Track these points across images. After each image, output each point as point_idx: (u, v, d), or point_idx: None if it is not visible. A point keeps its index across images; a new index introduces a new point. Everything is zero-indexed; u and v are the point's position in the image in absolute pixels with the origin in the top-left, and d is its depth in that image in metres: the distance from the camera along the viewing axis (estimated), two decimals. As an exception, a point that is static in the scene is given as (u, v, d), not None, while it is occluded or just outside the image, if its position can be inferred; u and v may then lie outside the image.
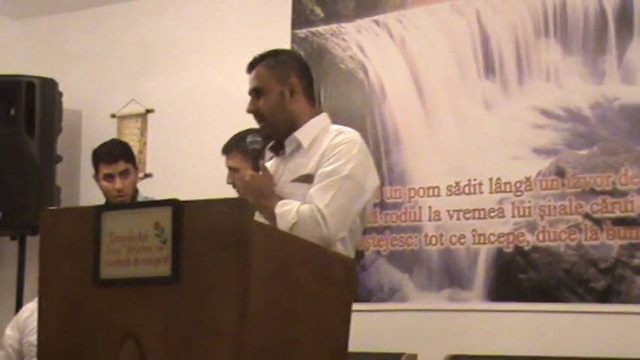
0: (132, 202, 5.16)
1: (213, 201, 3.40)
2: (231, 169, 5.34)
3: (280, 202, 3.74)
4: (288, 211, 3.69)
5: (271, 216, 3.72)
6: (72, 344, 2.92)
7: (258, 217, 3.59)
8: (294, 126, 3.90)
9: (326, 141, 3.86)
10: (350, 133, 3.91)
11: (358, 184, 3.83)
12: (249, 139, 3.88)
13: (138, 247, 2.82)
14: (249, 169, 3.99)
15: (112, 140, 6.14)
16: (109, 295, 2.86)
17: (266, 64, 3.95)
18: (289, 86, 3.93)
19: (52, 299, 3.02)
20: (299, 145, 3.89)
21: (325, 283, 3.20)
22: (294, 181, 3.83)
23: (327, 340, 3.17)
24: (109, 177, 5.54)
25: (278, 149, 3.94)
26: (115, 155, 5.59)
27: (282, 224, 3.65)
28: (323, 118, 4.01)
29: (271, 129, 3.90)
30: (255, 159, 3.87)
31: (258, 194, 3.78)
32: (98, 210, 2.95)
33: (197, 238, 2.78)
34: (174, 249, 2.76)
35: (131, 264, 2.83)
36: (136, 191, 5.66)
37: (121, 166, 5.54)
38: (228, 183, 5.38)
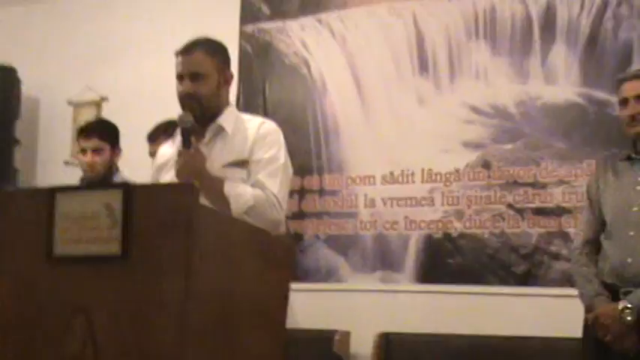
0: (84, 184, 5.05)
1: (161, 185, 3.55)
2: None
3: (228, 183, 3.72)
4: (242, 194, 3.70)
5: (219, 195, 3.67)
6: (25, 318, 2.84)
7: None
8: (217, 113, 3.89)
9: (250, 129, 3.88)
10: (272, 123, 3.96)
11: (290, 171, 3.93)
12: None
13: (90, 227, 2.74)
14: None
15: (98, 119, 6.12)
16: (62, 272, 2.75)
17: (206, 51, 3.92)
18: (225, 76, 3.94)
19: (6, 275, 2.94)
20: (222, 131, 3.87)
21: (266, 263, 3.17)
22: (228, 165, 3.80)
23: (266, 316, 3.12)
24: (83, 151, 5.44)
25: (200, 133, 3.84)
26: (90, 131, 5.49)
27: (238, 206, 3.65)
28: (234, 108, 4.03)
29: (202, 113, 3.83)
30: (187, 137, 3.75)
31: (196, 173, 3.70)
32: (52, 190, 2.89)
33: (146, 220, 2.72)
34: (123, 229, 2.70)
35: (83, 242, 2.75)
36: (115, 170, 5.55)
37: (94, 142, 5.39)
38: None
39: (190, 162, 3.72)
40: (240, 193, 3.69)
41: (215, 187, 3.68)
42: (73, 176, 5.78)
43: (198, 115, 3.81)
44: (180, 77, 3.86)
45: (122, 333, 2.67)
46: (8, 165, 6.70)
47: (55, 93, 7.00)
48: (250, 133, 3.86)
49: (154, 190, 3.12)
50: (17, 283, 2.88)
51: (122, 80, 6.70)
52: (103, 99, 6.83)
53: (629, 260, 3.97)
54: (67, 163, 6.67)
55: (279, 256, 3.30)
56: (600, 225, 4.15)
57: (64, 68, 6.99)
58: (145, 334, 2.64)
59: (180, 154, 3.73)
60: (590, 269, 4.11)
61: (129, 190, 2.79)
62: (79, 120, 6.76)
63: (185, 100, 3.80)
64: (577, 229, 4.45)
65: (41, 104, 7.15)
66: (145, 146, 5.32)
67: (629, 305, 3.89)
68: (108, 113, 6.66)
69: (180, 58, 3.88)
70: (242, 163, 3.80)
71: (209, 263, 2.73)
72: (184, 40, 3.87)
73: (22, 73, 6.81)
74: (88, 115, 6.76)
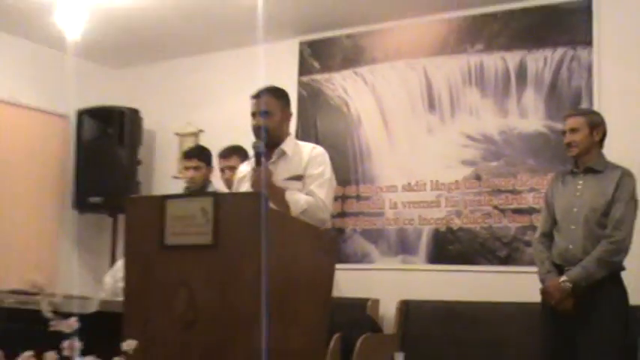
0: (186, 193, 5.00)
1: (241, 194, 3.63)
2: (229, 168, 5.20)
3: (288, 192, 3.70)
4: (299, 199, 3.67)
5: (282, 200, 3.65)
6: (146, 287, 2.94)
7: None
8: (280, 141, 3.87)
9: (305, 152, 3.86)
10: (321, 148, 3.94)
11: (334, 183, 3.92)
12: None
13: (190, 224, 2.83)
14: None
15: (197, 145, 6.08)
16: (170, 256, 2.87)
17: (273, 94, 3.91)
18: (286, 114, 3.94)
19: (133, 257, 3.04)
20: (284, 154, 3.85)
21: (316, 250, 3.20)
22: (288, 179, 3.78)
23: (316, 289, 3.17)
24: (186, 169, 5.46)
25: (267, 155, 3.82)
26: (191, 154, 5.50)
27: (295, 208, 3.64)
28: (293, 136, 4.01)
29: (269, 140, 3.79)
30: (259, 158, 3.70)
31: (268, 184, 3.67)
32: (163, 198, 2.98)
33: (230, 219, 2.78)
34: (214, 226, 2.77)
35: (185, 235, 2.84)
36: (208, 182, 5.48)
37: (194, 162, 5.40)
38: (225, 179, 5.27)
39: (261, 176, 3.69)
40: (297, 199, 3.68)
41: (279, 195, 3.66)
42: (178, 187, 5.80)
43: (267, 142, 3.77)
44: (253, 114, 3.86)
45: (213, 299, 2.77)
46: (133, 179, 6.67)
47: (166, 126, 7.00)
48: (304, 155, 3.85)
49: (236, 197, 3.28)
50: (141, 262, 2.99)
51: (214, 116, 6.66)
52: (200, 131, 6.79)
53: (571, 247, 4.04)
54: (175, 177, 6.66)
55: (326, 244, 3.37)
56: (553, 221, 4.18)
57: (173, 108, 6.99)
58: (229, 300, 2.73)
59: (254, 170, 3.71)
60: (544, 254, 4.16)
61: (218, 197, 2.89)
62: (182, 146, 6.74)
63: (257, 131, 3.80)
64: (538, 223, 4.46)
65: (157, 135, 7.13)
66: None
67: (567, 278, 3.96)
68: (204, 141, 6.60)
69: (253, 100, 3.89)
70: (299, 178, 3.79)
71: (275, 249, 2.74)
72: (258, 87, 3.89)
73: (143, 112, 6.77)
74: (189, 143, 6.72)
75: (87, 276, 6.78)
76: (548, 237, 4.18)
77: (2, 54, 6.37)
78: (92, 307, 3.84)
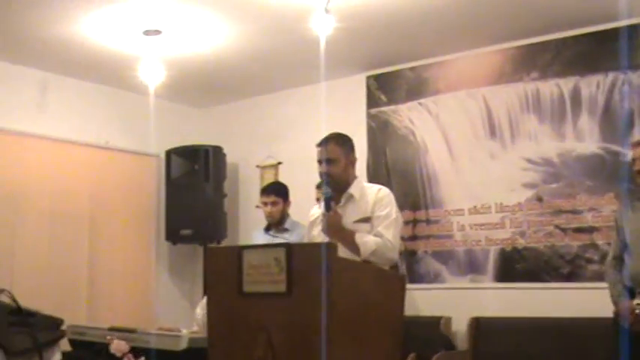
0: (260, 244, 5.01)
1: (311, 244, 3.76)
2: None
3: (358, 234, 3.76)
4: (368, 241, 3.74)
5: (352, 243, 3.73)
6: (227, 331, 3.07)
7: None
8: (347, 185, 3.94)
9: (372, 194, 3.91)
10: (386, 189, 3.99)
11: (400, 222, 4.07)
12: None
13: (265, 272, 2.96)
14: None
15: (274, 182, 6.27)
16: (248, 302, 3.00)
17: (336, 142, 3.97)
18: (350, 159, 4.01)
19: (214, 303, 3.16)
20: (351, 197, 3.92)
21: (385, 293, 3.29)
22: (357, 221, 3.84)
23: (388, 331, 3.25)
24: (264, 204, 5.66)
25: (336, 199, 3.90)
26: (268, 190, 5.72)
27: (365, 250, 3.71)
28: (360, 179, 4.07)
29: (337, 186, 3.89)
30: (328, 203, 3.79)
31: (338, 227, 3.79)
32: (240, 248, 3.09)
33: (302, 267, 2.90)
34: (287, 274, 2.90)
35: (261, 283, 2.97)
36: (287, 216, 5.67)
37: (272, 198, 5.61)
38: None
39: (331, 221, 3.81)
40: (366, 241, 3.76)
41: (349, 237, 3.76)
42: (261, 216, 5.94)
43: (334, 187, 3.89)
44: (319, 161, 3.96)
45: (290, 343, 2.93)
46: (220, 210, 6.95)
47: (248, 160, 7.26)
48: (371, 198, 3.91)
49: (307, 247, 3.41)
50: (222, 309, 3.14)
51: (291, 149, 6.86)
52: (279, 163, 7.01)
53: None
54: (257, 207, 6.62)
55: (395, 286, 3.45)
56: (623, 245, 4.24)
57: (253, 143, 7.25)
58: (305, 344, 2.88)
59: (324, 215, 3.84)
60: (617, 276, 4.22)
61: (290, 248, 3.00)
62: (264, 177, 7.05)
63: (323, 177, 3.89)
64: (599, 241, 4.53)
65: (239, 168, 7.37)
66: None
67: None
68: (282, 172, 6.94)
69: (319, 148, 3.98)
70: (367, 220, 3.86)
71: (345, 295, 2.89)
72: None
73: (226, 148, 7.06)
74: (269, 174, 7.02)
75: (184, 301, 7.25)
76: (620, 260, 4.23)
77: (95, 103, 6.89)
78: (182, 345, 4.19)
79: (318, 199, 4.95)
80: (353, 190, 3.98)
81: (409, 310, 3.53)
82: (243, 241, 7.10)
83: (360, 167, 4.30)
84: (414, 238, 6.08)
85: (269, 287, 2.96)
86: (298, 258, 2.95)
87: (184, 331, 4.62)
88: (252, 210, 7.08)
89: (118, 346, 3.78)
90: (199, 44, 5.87)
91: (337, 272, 2.90)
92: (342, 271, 2.97)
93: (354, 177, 4.05)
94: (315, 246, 3.41)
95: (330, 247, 3.01)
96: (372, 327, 3.17)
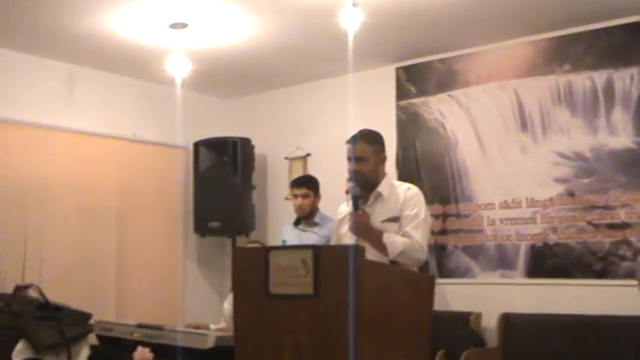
0: (288, 245, 5.08)
1: (338, 246, 3.72)
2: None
3: (385, 234, 3.75)
4: (396, 241, 3.74)
5: (379, 243, 3.72)
6: (254, 332, 3.04)
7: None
8: (377, 183, 3.94)
9: (401, 193, 3.90)
10: (415, 188, 3.98)
11: (429, 222, 4.01)
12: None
13: (292, 274, 2.91)
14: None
15: (305, 175, 6.30)
16: (275, 304, 2.95)
17: (366, 140, 3.96)
18: (380, 157, 4.00)
19: (240, 303, 3.12)
20: (380, 196, 3.91)
21: (414, 294, 3.23)
22: (385, 221, 3.84)
23: (416, 331, 3.20)
24: (295, 196, 5.69)
25: (365, 197, 3.89)
26: (299, 183, 5.75)
27: (393, 250, 3.71)
28: (389, 177, 4.06)
29: (365, 184, 3.88)
30: (356, 201, 3.78)
31: (366, 227, 3.79)
32: (267, 249, 3.09)
33: (329, 269, 2.84)
34: (314, 276, 2.85)
35: (288, 285, 2.93)
36: (317, 209, 5.71)
37: (303, 190, 5.65)
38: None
39: (359, 220, 3.79)
40: (395, 241, 3.75)
41: (377, 237, 3.75)
42: (289, 208, 6.03)
43: (363, 185, 3.87)
44: (349, 159, 3.95)
45: (316, 345, 2.86)
46: (248, 202, 6.92)
47: (277, 152, 7.25)
48: (400, 197, 3.90)
49: (334, 249, 3.37)
50: (248, 310, 3.10)
51: (320, 141, 6.87)
52: (308, 155, 7.01)
53: None
54: (286, 198, 6.82)
55: (424, 286, 3.38)
56: None
57: (282, 135, 7.24)
58: (331, 347, 2.82)
59: (351, 214, 3.82)
60: None
61: (317, 249, 2.94)
62: (292, 170, 7.05)
63: (352, 175, 3.86)
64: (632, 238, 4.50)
65: (268, 160, 7.37)
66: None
67: None
68: (311, 164, 6.95)
69: (349, 146, 3.96)
70: (395, 219, 3.85)
71: (373, 298, 2.84)
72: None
73: (254, 140, 7.04)
74: (298, 166, 7.01)
75: (213, 293, 7.28)
76: None
77: (123, 96, 6.90)
78: (209, 343, 4.16)
79: (347, 192, 5.00)
80: (382, 188, 3.97)
81: (438, 305, 3.47)
82: (271, 233, 7.11)
83: (390, 159, 4.25)
84: (443, 232, 6.04)
85: (296, 289, 2.93)
86: (325, 260, 2.91)
87: (212, 328, 4.63)
88: (281, 202, 7.11)
89: (142, 354, 3.78)
90: (226, 37, 5.85)
91: (365, 275, 2.87)
92: (370, 274, 2.93)
93: (384, 175, 4.04)
94: (342, 248, 3.38)
95: (358, 250, 2.96)
96: (400, 330, 3.13)
